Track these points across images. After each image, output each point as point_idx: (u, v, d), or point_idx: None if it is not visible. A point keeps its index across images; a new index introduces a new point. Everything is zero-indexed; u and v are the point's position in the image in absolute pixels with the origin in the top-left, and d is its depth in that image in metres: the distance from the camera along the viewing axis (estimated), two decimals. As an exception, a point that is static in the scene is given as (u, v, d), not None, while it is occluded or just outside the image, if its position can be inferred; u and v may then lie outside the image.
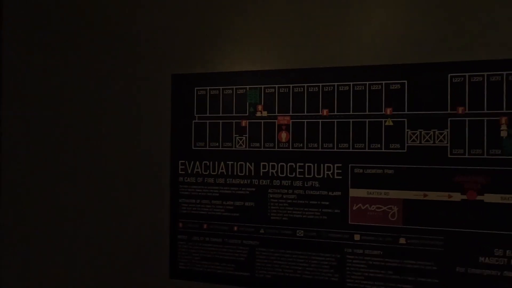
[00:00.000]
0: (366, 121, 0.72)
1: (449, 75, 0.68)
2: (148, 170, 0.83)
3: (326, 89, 0.74)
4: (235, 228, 0.79)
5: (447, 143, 0.68)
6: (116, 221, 0.85)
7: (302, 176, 0.75)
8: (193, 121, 0.81)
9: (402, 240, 0.70)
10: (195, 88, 0.81)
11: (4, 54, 0.92)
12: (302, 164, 0.75)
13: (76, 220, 0.88)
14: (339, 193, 0.73)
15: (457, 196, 0.68)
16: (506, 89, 0.66)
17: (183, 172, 0.82)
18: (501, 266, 0.66)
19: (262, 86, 0.77)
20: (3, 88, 0.93)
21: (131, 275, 0.84)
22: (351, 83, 0.73)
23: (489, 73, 0.66)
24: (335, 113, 0.74)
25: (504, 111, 0.66)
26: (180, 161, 0.82)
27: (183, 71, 0.82)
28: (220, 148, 0.80)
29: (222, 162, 0.80)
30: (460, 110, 0.68)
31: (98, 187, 0.86)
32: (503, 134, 0.66)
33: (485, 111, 0.66)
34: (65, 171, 0.88)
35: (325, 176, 0.74)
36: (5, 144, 0.93)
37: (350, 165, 0.73)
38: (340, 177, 0.73)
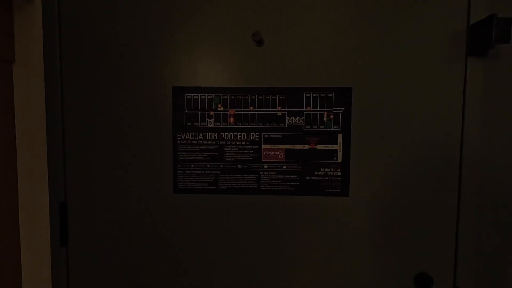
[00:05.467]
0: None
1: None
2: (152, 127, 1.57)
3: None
4: (207, 166, 1.57)
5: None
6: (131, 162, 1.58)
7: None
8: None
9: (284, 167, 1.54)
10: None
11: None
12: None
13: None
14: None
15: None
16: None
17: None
18: (325, 175, 1.52)
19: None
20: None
21: (146, 192, 1.57)
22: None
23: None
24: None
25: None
26: (177, 133, 1.56)
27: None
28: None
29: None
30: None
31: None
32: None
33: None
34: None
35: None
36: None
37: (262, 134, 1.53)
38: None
